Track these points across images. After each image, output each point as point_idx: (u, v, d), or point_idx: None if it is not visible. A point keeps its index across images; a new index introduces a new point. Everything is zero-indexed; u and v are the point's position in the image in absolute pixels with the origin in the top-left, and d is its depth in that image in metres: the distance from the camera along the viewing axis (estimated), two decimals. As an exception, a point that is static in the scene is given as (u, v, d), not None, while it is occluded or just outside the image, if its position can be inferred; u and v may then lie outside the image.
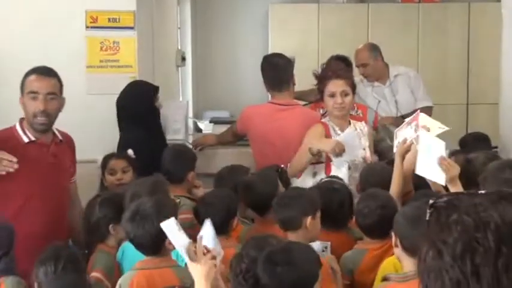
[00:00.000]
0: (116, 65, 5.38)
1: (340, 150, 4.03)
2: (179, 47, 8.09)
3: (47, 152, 3.69)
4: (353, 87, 4.28)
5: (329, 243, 3.23)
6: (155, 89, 4.82)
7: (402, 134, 3.94)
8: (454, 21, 8.55)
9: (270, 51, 8.08)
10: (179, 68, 7.94)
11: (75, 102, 5.18)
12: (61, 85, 3.75)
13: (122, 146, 4.62)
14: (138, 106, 4.69)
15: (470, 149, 4.73)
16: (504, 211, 1.28)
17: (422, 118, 3.82)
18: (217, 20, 9.16)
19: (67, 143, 3.92)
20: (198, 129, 7.50)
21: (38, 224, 3.51)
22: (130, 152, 4.41)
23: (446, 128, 3.76)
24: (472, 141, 5.24)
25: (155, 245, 3.00)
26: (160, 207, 3.04)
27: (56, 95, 3.69)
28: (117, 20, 5.38)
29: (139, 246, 3.06)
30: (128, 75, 5.17)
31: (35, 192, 3.60)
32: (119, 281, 3.04)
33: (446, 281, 1.28)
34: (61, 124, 4.61)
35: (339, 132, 4.26)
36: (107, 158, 4.34)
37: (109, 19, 5.36)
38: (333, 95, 4.19)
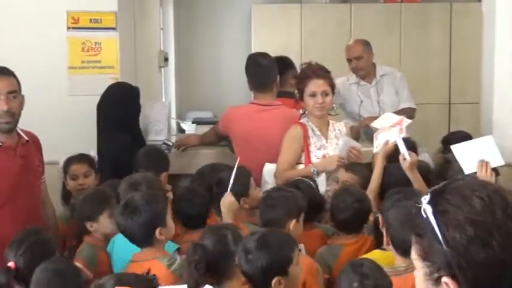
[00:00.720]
0: (98, 65, 5.35)
1: (342, 163, 4.09)
2: (162, 48, 8.07)
3: (15, 155, 3.58)
4: (332, 87, 4.28)
5: (302, 245, 3.22)
6: (138, 91, 4.79)
7: (384, 136, 3.99)
8: (435, 21, 8.57)
9: (253, 52, 8.09)
10: (162, 69, 7.92)
11: (56, 103, 5.19)
12: (19, 83, 3.65)
13: (104, 149, 4.60)
14: (124, 110, 4.67)
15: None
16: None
17: (406, 122, 3.91)
18: (200, 21, 9.15)
19: (33, 143, 3.82)
20: (181, 130, 7.49)
21: (11, 227, 3.33)
22: (92, 153, 4.37)
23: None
24: (455, 140, 5.25)
25: (145, 236, 3.04)
26: (149, 199, 3.10)
27: (17, 93, 3.58)
28: (99, 21, 5.35)
29: (130, 238, 3.10)
30: (110, 76, 5.15)
31: (6, 196, 3.50)
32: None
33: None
34: (42, 124, 4.59)
35: (317, 132, 4.28)
36: (68, 162, 4.27)
37: (90, 20, 5.34)
38: (313, 95, 4.19)
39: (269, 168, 4.34)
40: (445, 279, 1.34)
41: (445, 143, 5.26)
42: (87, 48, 5.35)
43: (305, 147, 4.25)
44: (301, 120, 4.34)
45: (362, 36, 8.39)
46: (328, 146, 4.28)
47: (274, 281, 2.59)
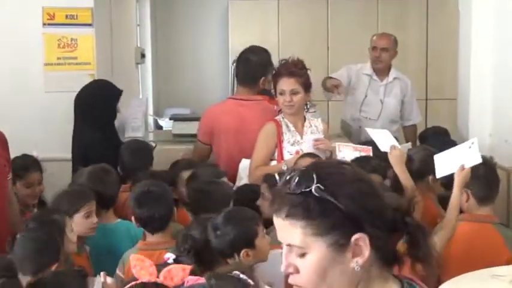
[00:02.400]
0: (74, 62, 5.31)
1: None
2: (138, 44, 8.05)
3: None
4: (305, 86, 4.23)
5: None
6: (120, 92, 4.75)
7: (349, 154, 4.09)
8: (412, 17, 8.61)
9: (230, 48, 8.10)
10: (139, 65, 7.91)
11: (33, 100, 5.15)
12: None
13: (77, 146, 4.56)
14: (103, 109, 4.62)
15: (430, 142, 4.83)
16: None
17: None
18: (177, 17, 9.13)
19: None
20: (158, 127, 7.49)
21: None
22: (35, 154, 4.28)
23: None
24: (432, 135, 5.30)
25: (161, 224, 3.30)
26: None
27: None
28: (75, 17, 5.32)
29: (146, 225, 3.32)
30: (86, 73, 5.11)
31: None
32: (122, 257, 3.28)
33: None
34: (19, 122, 4.56)
35: (292, 128, 4.28)
36: (22, 169, 4.06)
37: (66, 16, 5.30)
38: (282, 93, 4.19)
39: (245, 165, 4.34)
40: (355, 236, 1.52)
41: (422, 138, 5.31)
42: (63, 45, 5.32)
43: (278, 144, 4.25)
44: (276, 117, 4.34)
45: (339, 31, 8.48)
46: (303, 142, 4.27)
47: (242, 253, 2.79)
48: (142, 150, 4.38)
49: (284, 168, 4.04)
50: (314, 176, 1.53)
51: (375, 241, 1.54)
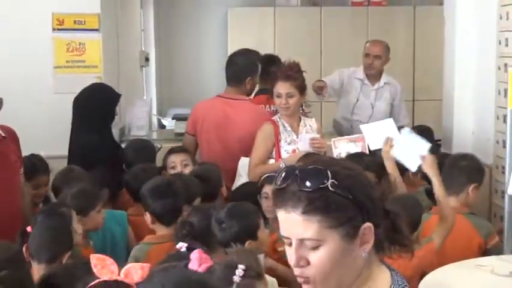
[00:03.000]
0: (82, 65, 5.31)
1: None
2: (143, 48, 8.03)
3: None
4: (301, 88, 4.20)
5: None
6: (118, 96, 4.69)
7: (344, 148, 4.06)
8: (400, 23, 8.60)
9: (228, 52, 8.05)
10: (143, 68, 7.88)
11: (42, 100, 5.14)
12: None
13: (75, 146, 4.49)
14: (101, 111, 4.54)
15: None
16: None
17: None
18: (179, 23, 9.10)
19: (10, 138, 3.67)
20: (161, 126, 7.46)
21: None
22: (43, 153, 4.23)
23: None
24: (417, 133, 5.27)
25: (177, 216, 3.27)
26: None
27: None
28: (83, 23, 5.31)
29: (162, 218, 3.33)
30: (93, 75, 5.10)
31: None
32: (132, 253, 3.29)
33: None
34: (29, 121, 4.53)
35: (288, 128, 4.26)
36: (30, 171, 4.00)
37: (75, 21, 5.29)
38: (279, 96, 4.17)
39: (244, 163, 4.32)
40: (364, 225, 1.56)
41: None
42: (72, 49, 5.32)
43: (276, 143, 4.22)
44: (273, 118, 4.32)
45: (331, 37, 8.46)
46: (299, 141, 4.25)
47: (246, 244, 2.81)
48: (145, 148, 4.35)
49: (282, 166, 4.02)
50: (328, 172, 1.55)
51: (375, 229, 1.59)
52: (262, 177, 3.68)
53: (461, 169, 3.57)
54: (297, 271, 1.59)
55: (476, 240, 3.31)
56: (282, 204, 1.59)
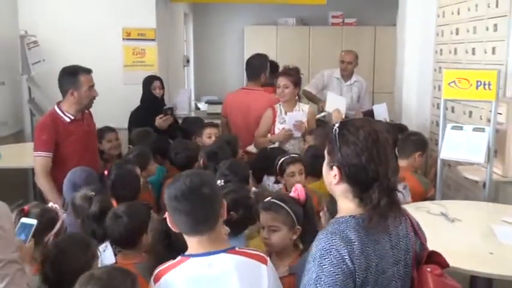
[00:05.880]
0: (143, 64, 5.31)
1: (285, 137, 3.99)
2: (185, 53, 7.99)
3: (82, 125, 3.45)
4: (295, 82, 4.10)
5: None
6: (151, 79, 4.58)
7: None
8: (365, 38, 8.49)
9: (244, 57, 8.02)
10: (185, 67, 7.85)
11: (116, 89, 5.14)
12: None
13: (131, 118, 4.51)
14: (144, 88, 4.55)
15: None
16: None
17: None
18: (209, 36, 9.04)
19: (89, 115, 3.60)
20: (197, 108, 7.44)
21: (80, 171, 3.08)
22: (112, 125, 4.21)
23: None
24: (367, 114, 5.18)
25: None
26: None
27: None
28: (144, 35, 5.31)
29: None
30: (151, 72, 5.06)
31: (80, 150, 3.36)
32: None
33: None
34: (106, 104, 4.50)
35: (283, 112, 4.13)
36: (103, 132, 4.04)
37: (138, 34, 5.29)
38: (278, 87, 4.10)
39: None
40: (334, 166, 1.49)
41: (367, 114, 5.23)
42: (136, 53, 5.32)
43: (272, 123, 4.13)
44: (275, 105, 4.19)
45: (316, 49, 8.41)
46: (286, 118, 4.10)
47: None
48: (145, 137, 4.07)
49: (270, 140, 4.03)
50: (339, 123, 1.55)
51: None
52: (283, 159, 3.23)
53: (411, 141, 3.54)
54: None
55: (419, 190, 3.29)
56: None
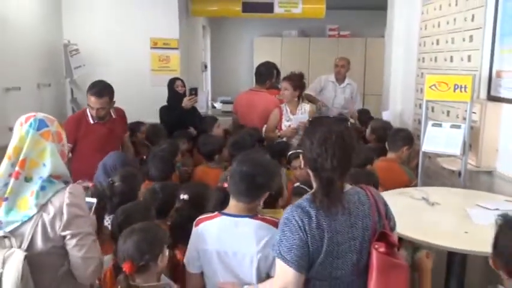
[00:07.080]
0: (168, 69, 5.29)
1: (291, 133, 3.99)
2: (203, 60, 7.98)
3: (104, 127, 3.45)
4: (294, 86, 4.08)
5: None
6: (175, 80, 4.54)
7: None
8: (357, 48, 8.47)
9: (254, 64, 7.99)
10: (203, 72, 7.85)
11: (144, 91, 5.16)
12: (111, 98, 3.48)
13: (161, 113, 4.47)
14: (169, 87, 4.52)
15: (362, 119, 4.88)
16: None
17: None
18: (224, 45, 9.04)
19: (119, 116, 3.59)
20: (213, 107, 7.44)
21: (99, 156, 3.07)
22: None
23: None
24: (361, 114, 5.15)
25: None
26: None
27: (108, 105, 3.46)
28: (168, 44, 5.29)
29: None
30: (174, 76, 5.06)
31: (97, 149, 3.28)
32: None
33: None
34: (136, 104, 4.53)
35: (288, 111, 4.11)
36: (137, 126, 4.10)
37: (164, 43, 5.28)
38: (281, 89, 4.13)
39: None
40: (301, 154, 1.69)
41: (362, 112, 5.20)
42: (162, 59, 5.31)
43: (279, 120, 4.13)
44: (281, 105, 4.20)
45: (315, 57, 8.38)
46: (293, 119, 4.11)
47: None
48: (158, 131, 4.13)
49: (278, 135, 4.04)
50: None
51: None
52: (290, 153, 3.33)
53: (400, 137, 3.53)
54: None
55: (405, 179, 3.28)
56: None
